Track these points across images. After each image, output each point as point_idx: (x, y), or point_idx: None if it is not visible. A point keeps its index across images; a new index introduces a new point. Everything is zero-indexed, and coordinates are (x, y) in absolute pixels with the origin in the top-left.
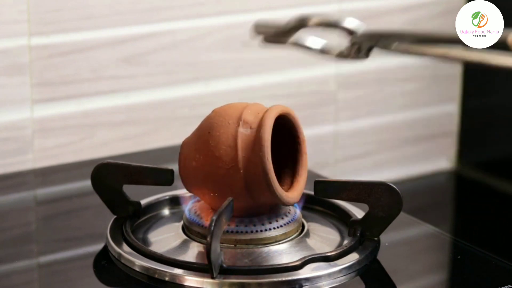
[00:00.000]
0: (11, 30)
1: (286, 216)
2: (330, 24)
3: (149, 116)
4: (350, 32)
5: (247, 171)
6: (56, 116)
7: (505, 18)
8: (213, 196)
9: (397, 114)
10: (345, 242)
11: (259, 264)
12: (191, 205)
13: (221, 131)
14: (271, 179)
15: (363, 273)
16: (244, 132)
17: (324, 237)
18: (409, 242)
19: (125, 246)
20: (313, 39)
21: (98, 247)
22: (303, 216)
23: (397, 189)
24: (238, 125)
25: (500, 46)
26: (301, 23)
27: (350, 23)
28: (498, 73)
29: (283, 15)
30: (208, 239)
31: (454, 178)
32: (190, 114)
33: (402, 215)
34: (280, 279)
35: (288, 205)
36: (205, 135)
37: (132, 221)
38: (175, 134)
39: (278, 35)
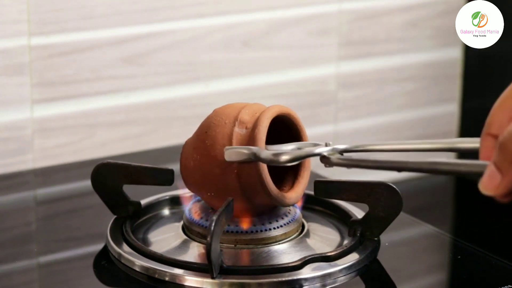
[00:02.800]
0: (11, 30)
1: (286, 216)
2: (301, 158)
3: (149, 116)
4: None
5: (241, 171)
6: (56, 116)
7: (505, 18)
8: (210, 195)
9: (397, 114)
10: (345, 242)
11: (259, 264)
12: (191, 205)
13: (217, 130)
14: (265, 180)
15: (363, 273)
16: (239, 132)
17: (324, 237)
18: (409, 242)
19: (125, 246)
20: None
21: (98, 247)
22: (303, 216)
23: (397, 189)
24: (234, 125)
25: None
26: (274, 161)
27: (321, 150)
28: (498, 73)
29: (283, 15)
30: (208, 239)
31: (454, 178)
32: (190, 114)
33: (402, 215)
34: (280, 279)
35: (286, 206)
36: (203, 135)
37: (132, 221)
38: (175, 134)
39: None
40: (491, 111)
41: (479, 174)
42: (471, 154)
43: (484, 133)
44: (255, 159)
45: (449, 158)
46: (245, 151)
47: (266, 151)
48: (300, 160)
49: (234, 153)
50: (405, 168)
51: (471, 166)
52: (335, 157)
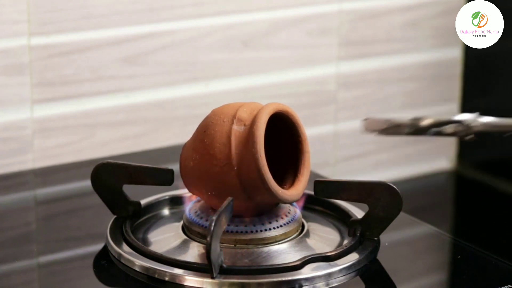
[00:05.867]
0: (11, 30)
1: (286, 216)
2: (443, 123)
3: (149, 116)
4: (464, 124)
5: (241, 168)
6: (56, 116)
7: (505, 18)
8: (210, 195)
9: (397, 114)
10: (345, 242)
11: (259, 264)
12: (191, 205)
13: (216, 129)
14: (265, 175)
15: (363, 273)
16: (237, 129)
17: (324, 237)
18: (409, 242)
19: (125, 246)
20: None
21: (98, 247)
22: (303, 216)
23: (397, 189)
24: (232, 122)
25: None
26: (414, 126)
27: (463, 117)
28: (498, 73)
29: (283, 15)
30: (208, 239)
31: (454, 178)
32: (190, 114)
33: (402, 215)
34: (280, 279)
35: (287, 203)
36: (201, 134)
37: (132, 221)
38: (175, 134)
39: (391, 130)
40: None
41: None
42: None
43: None
44: (393, 126)
45: None
46: (383, 120)
47: (405, 118)
48: (441, 127)
49: (372, 122)
50: None
51: None
52: (477, 124)
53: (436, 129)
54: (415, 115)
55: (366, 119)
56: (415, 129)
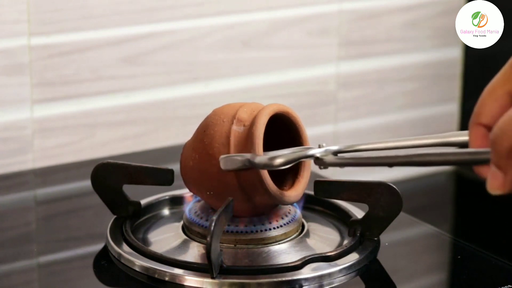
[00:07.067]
0: (11, 30)
1: (286, 216)
2: (295, 160)
3: (149, 116)
4: (316, 158)
5: None
6: (56, 116)
7: (505, 18)
8: (210, 195)
9: (397, 114)
10: (345, 242)
11: (259, 264)
12: (191, 205)
13: (215, 129)
14: (263, 177)
15: (363, 273)
16: (237, 130)
17: (324, 237)
18: (409, 242)
19: (125, 246)
20: None
21: (98, 247)
22: (303, 216)
23: (397, 189)
24: (232, 123)
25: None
26: (269, 165)
27: (314, 151)
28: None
29: (283, 15)
30: (208, 239)
31: (454, 178)
32: (190, 114)
33: (402, 215)
34: (280, 279)
35: (286, 204)
36: (201, 134)
37: (132, 221)
38: (175, 134)
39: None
40: (479, 100)
41: (469, 163)
42: (465, 146)
43: (473, 122)
44: (250, 165)
45: (438, 149)
46: (239, 158)
47: (260, 157)
48: (293, 163)
49: (229, 161)
50: (395, 162)
51: (460, 155)
52: (328, 158)
53: (290, 165)
54: (415, 115)
55: (222, 158)
56: (270, 168)
